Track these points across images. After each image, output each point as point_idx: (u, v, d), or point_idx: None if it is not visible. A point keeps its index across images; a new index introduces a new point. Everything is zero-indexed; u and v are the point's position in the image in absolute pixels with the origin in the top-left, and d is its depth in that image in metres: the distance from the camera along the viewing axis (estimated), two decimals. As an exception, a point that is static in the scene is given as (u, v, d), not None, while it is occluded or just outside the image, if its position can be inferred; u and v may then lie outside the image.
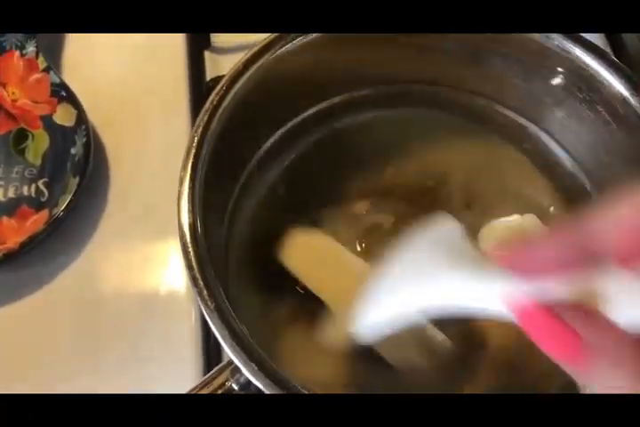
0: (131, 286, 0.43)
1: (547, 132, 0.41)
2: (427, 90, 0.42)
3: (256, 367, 0.28)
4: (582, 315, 0.20)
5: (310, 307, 0.37)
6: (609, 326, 0.19)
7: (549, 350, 0.20)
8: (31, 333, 0.42)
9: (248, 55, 0.35)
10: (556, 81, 0.38)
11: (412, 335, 0.36)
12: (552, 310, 0.20)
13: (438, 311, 0.24)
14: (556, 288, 0.21)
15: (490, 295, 0.21)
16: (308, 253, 0.38)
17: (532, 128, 0.41)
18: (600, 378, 0.19)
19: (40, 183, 0.45)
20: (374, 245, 0.40)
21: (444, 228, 0.26)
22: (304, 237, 0.38)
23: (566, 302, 0.20)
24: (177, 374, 0.40)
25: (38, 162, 0.46)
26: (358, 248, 0.40)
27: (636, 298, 0.19)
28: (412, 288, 0.25)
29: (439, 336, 0.36)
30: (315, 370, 0.37)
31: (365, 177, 0.42)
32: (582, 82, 0.36)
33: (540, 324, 0.20)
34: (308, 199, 0.41)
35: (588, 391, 0.21)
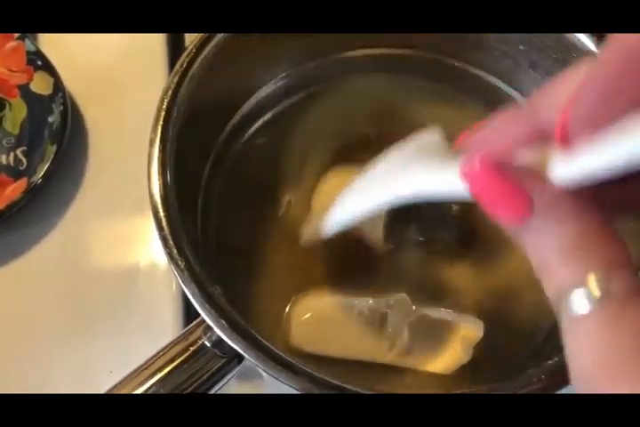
0: (110, 254, 0.43)
1: (521, 93, 0.41)
2: (404, 53, 0.42)
3: (227, 325, 0.29)
4: (528, 173, 0.21)
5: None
6: (550, 185, 0.20)
7: (497, 209, 0.21)
8: (11, 300, 0.42)
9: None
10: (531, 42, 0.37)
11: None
12: (502, 170, 0.20)
13: (407, 199, 0.26)
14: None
15: (452, 176, 0.22)
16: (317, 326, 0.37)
17: (506, 89, 0.41)
18: (536, 232, 0.20)
19: (18, 152, 0.45)
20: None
21: (425, 135, 0.28)
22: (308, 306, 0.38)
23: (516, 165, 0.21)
24: (157, 339, 0.40)
25: (16, 131, 0.46)
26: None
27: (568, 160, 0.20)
28: (386, 180, 0.28)
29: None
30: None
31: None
32: (556, 42, 0.36)
33: (489, 183, 0.20)
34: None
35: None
